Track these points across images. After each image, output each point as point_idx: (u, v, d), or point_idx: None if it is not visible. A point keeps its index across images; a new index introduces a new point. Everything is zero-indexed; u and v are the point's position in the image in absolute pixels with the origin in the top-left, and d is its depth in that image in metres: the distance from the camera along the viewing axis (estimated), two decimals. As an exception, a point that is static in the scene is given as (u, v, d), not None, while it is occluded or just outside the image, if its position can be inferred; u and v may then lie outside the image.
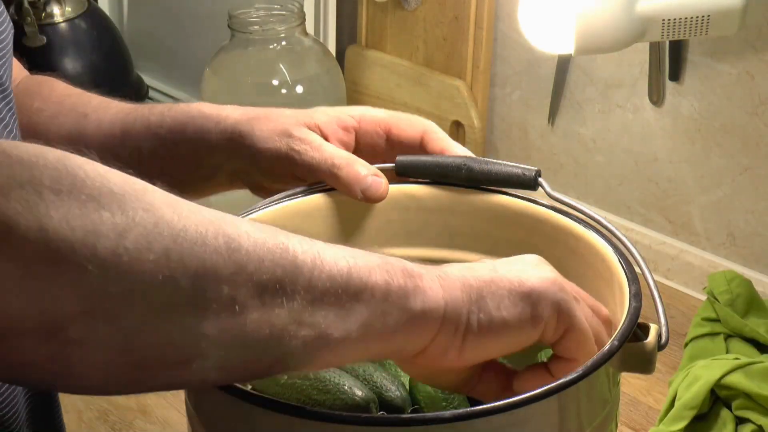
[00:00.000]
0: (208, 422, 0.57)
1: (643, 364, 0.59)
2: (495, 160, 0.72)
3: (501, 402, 0.52)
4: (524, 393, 0.52)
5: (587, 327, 0.57)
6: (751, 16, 1.00)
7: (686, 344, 0.95)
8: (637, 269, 0.63)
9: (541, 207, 0.70)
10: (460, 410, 0.51)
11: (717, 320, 0.94)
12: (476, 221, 0.73)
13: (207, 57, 1.23)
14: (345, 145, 0.71)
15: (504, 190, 0.72)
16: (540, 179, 0.70)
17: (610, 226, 0.67)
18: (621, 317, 0.59)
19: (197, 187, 0.76)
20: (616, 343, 0.56)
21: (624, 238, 0.66)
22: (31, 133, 0.73)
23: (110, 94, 0.72)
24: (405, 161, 0.72)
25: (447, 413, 0.50)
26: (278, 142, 0.69)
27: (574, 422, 0.56)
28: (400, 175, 0.73)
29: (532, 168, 0.71)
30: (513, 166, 0.71)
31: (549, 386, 0.53)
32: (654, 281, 0.63)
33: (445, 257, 0.75)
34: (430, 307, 0.52)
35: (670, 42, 1.08)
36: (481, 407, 0.51)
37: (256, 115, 0.70)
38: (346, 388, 0.62)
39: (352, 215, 0.73)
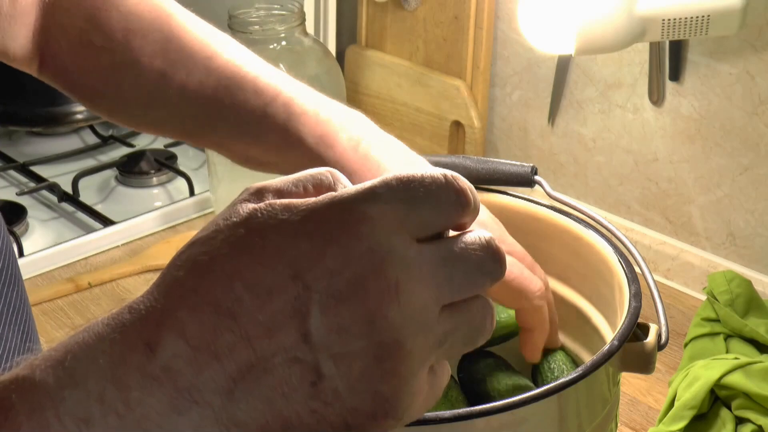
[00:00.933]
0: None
1: (643, 363, 0.59)
2: (490, 159, 0.72)
3: (501, 402, 0.52)
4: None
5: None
6: (751, 16, 1.00)
7: (686, 344, 0.95)
8: (637, 269, 0.64)
9: (540, 207, 0.71)
10: (461, 410, 0.51)
11: (717, 320, 0.93)
12: (476, 221, 0.73)
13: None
14: None
15: (503, 189, 0.72)
16: (537, 177, 0.70)
17: (610, 226, 0.67)
18: (621, 317, 0.59)
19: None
20: (616, 343, 0.56)
21: (624, 238, 0.66)
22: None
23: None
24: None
25: (447, 413, 0.51)
26: None
27: (573, 422, 0.56)
28: None
29: (528, 164, 0.71)
30: (508, 163, 0.71)
31: (549, 386, 0.53)
32: (654, 281, 0.63)
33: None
34: None
35: (670, 42, 1.08)
36: (480, 407, 0.51)
37: None
38: None
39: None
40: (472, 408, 0.51)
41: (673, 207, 1.15)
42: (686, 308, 1.08)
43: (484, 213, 0.65)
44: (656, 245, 1.15)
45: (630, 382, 0.96)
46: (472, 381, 0.67)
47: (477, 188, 0.72)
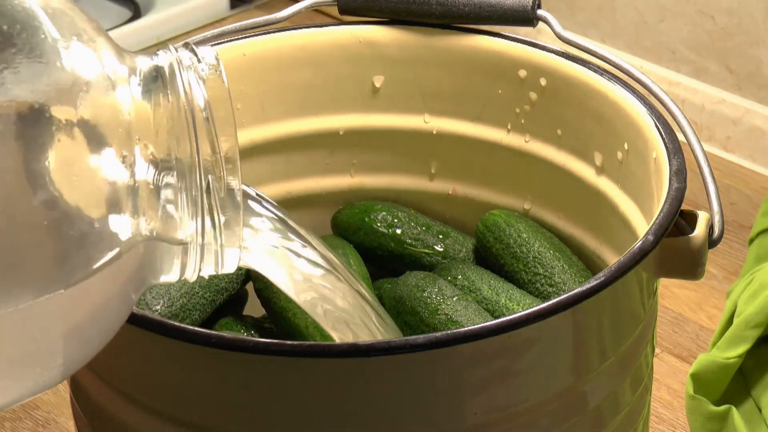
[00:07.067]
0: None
1: (689, 266, 0.60)
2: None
3: (495, 321, 0.53)
4: None
5: None
6: None
7: (751, 240, 0.96)
8: (681, 137, 0.65)
9: (547, 53, 0.71)
10: (439, 334, 0.52)
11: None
12: (457, 75, 0.74)
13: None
14: None
15: (493, 29, 0.72)
16: (542, 12, 0.71)
17: (644, 78, 0.68)
18: (658, 203, 0.60)
19: None
20: (651, 237, 0.57)
21: (663, 95, 0.67)
22: None
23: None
24: (351, -9, 0.72)
25: (421, 338, 0.52)
26: None
27: (593, 346, 0.57)
28: (346, 12, 0.73)
29: (530, -6, 0.71)
30: (503, -8, 0.71)
31: (559, 299, 0.54)
32: (704, 153, 0.64)
33: (418, 127, 0.76)
34: None
35: None
36: (467, 329, 0.52)
37: None
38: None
39: (284, 71, 0.74)
40: (456, 330, 0.52)
41: (735, 51, 1.16)
42: (752, 191, 1.08)
43: None
44: (711, 104, 1.17)
45: (674, 294, 0.98)
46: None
47: (456, 29, 0.73)
